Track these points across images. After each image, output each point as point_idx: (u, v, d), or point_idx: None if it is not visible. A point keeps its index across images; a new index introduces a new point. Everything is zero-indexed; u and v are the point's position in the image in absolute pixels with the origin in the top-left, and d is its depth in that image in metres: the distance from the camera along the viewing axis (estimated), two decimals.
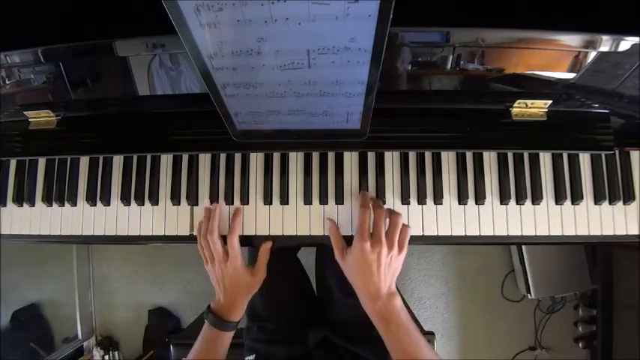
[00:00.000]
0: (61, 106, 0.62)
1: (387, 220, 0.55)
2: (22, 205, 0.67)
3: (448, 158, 0.62)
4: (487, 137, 0.59)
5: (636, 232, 0.59)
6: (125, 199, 0.64)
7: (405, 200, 0.61)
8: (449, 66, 0.51)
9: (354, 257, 0.54)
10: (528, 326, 1.42)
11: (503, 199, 0.60)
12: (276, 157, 0.63)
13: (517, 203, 0.60)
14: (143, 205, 0.64)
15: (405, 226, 0.55)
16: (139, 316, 1.48)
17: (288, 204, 0.62)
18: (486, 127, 0.59)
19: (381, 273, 0.53)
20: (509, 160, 0.61)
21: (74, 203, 0.65)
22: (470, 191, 0.61)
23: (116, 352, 1.46)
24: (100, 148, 0.64)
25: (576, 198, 0.60)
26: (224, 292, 0.60)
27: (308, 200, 0.61)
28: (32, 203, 0.66)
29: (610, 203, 0.60)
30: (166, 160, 0.65)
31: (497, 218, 0.60)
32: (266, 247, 0.62)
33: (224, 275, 0.59)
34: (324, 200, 0.61)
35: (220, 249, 0.58)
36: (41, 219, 0.66)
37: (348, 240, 0.57)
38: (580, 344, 1.33)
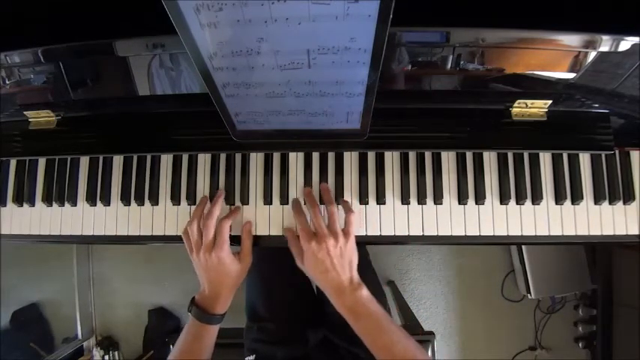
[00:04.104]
0: (61, 106, 0.62)
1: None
2: (22, 205, 0.67)
3: (448, 158, 0.62)
4: (487, 137, 0.59)
5: (636, 232, 0.59)
6: (125, 199, 0.64)
7: (405, 200, 0.61)
8: (449, 66, 0.50)
9: (308, 260, 0.55)
10: (528, 326, 1.42)
11: (503, 199, 0.60)
12: (276, 157, 0.63)
13: (517, 203, 0.60)
14: (143, 205, 0.64)
15: (348, 212, 0.56)
16: (139, 316, 1.48)
17: (288, 204, 0.62)
18: (486, 127, 0.59)
19: (336, 265, 0.53)
20: (509, 160, 0.61)
21: (74, 203, 0.65)
22: (470, 191, 0.61)
23: (116, 352, 1.46)
24: (100, 148, 0.64)
25: (576, 198, 0.60)
26: (209, 282, 0.58)
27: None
28: (32, 203, 0.66)
29: (610, 203, 0.60)
30: (166, 160, 0.65)
31: (497, 218, 0.60)
32: (247, 229, 0.60)
33: (209, 265, 0.56)
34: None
35: (211, 236, 0.56)
36: (41, 219, 0.66)
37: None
38: (580, 344, 1.33)
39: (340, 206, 0.59)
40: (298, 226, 0.57)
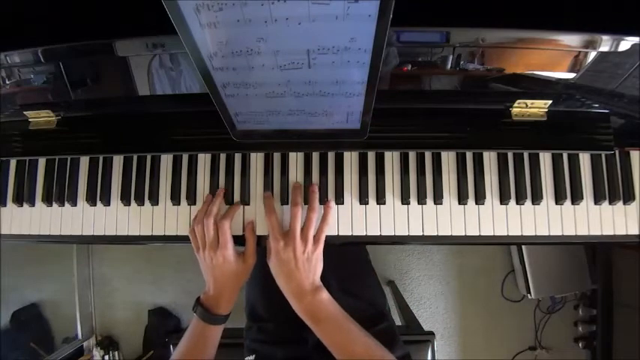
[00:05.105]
0: (61, 106, 0.62)
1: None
2: (22, 205, 0.67)
3: (448, 158, 0.62)
4: (487, 137, 0.59)
5: (636, 232, 0.59)
6: (125, 199, 0.64)
7: (405, 200, 0.61)
8: (449, 66, 0.51)
9: (273, 259, 0.56)
10: (528, 326, 1.42)
11: (503, 199, 0.60)
12: (276, 157, 0.63)
13: (517, 203, 0.60)
14: (143, 205, 0.64)
15: (323, 221, 0.56)
16: (139, 316, 1.48)
17: (288, 204, 0.62)
18: (486, 127, 0.59)
19: (300, 269, 0.54)
20: (509, 160, 0.61)
21: (74, 203, 0.65)
22: (470, 191, 0.61)
23: (116, 352, 1.46)
24: (100, 148, 0.64)
25: (576, 198, 0.60)
26: (214, 281, 0.58)
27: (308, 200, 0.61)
28: (32, 203, 0.66)
29: (610, 203, 0.60)
30: (166, 160, 0.65)
31: (497, 218, 0.60)
32: (249, 228, 0.60)
33: (214, 264, 0.57)
34: (323, 200, 0.61)
35: (213, 235, 0.57)
36: (41, 219, 0.66)
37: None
38: (580, 344, 1.34)
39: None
40: (268, 226, 0.57)
